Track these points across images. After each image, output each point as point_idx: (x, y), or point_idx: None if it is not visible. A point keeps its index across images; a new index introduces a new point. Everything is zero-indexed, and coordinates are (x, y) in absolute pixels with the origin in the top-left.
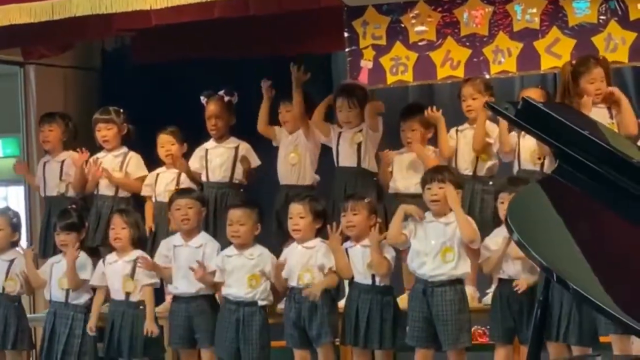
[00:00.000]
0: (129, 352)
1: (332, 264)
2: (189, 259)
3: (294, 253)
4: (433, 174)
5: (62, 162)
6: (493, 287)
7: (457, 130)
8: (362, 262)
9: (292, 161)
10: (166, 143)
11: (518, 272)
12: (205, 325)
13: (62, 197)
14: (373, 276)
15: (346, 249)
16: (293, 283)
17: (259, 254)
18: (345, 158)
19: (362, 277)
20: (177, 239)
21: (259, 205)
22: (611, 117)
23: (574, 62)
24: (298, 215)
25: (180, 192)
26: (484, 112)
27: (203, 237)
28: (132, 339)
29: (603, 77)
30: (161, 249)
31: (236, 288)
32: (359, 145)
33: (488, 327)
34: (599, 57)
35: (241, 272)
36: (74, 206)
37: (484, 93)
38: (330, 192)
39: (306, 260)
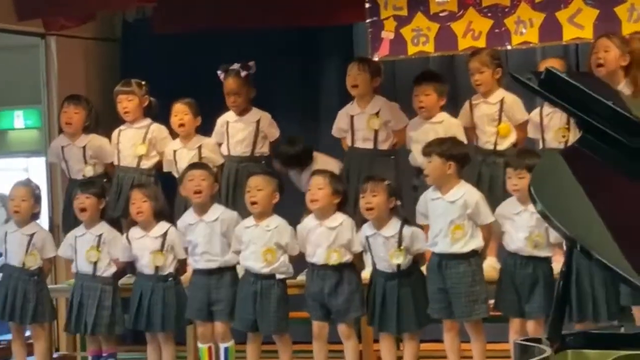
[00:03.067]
0: (162, 324)
1: (358, 246)
2: (207, 234)
3: (315, 232)
4: (423, 148)
5: (84, 147)
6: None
7: (470, 104)
8: (384, 251)
9: None
10: (180, 112)
11: (521, 246)
12: (223, 298)
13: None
14: (398, 265)
15: (367, 237)
16: (315, 260)
17: (276, 226)
18: (363, 139)
19: (386, 265)
20: (190, 217)
21: (280, 177)
22: None
23: None
24: (317, 186)
25: (193, 165)
26: None
27: (217, 209)
28: (164, 311)
29: (608, 48)
30: (179, 226)
31: (253, 261)
32: (376, 131)
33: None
34: (619, 34)
35: (257, 244)
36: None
37: (490, 65)
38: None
39: (332, 241)
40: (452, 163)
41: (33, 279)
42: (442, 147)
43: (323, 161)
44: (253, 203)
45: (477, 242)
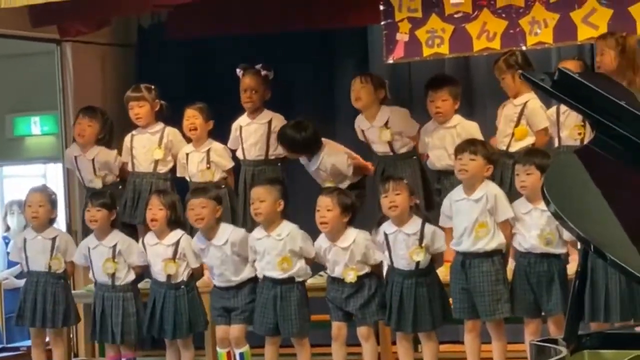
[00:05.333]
0: (174, 332)
1: (376, 256)
2: (218, 257)
3: (331, 252)
4: (465, 145)
5: (93, 159)
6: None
7: (503, 107)
8: (405, 248)
9: None
10: (191, 117)
11: (534, 244)
12: (241, 305)
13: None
14: (417, 263)
15: (385, 234)
16: (335, 275)
17: (287, 233)
18: (381, 150)
19: (405, 263)
20: (200, 241)
21: (282, 181)
22: None
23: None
24: (325, 207)
25: (193, 192)
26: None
27: (224, 230)
28: (176, 319)
29: (602, 50)
30: (193, 248)
31: (270, 271)
32: (390, 142)
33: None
34: (614, 33)
35: (272, 254)
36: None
37: (508, 71)
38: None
39: (347, 260)
40: (491, 167)
41: (60, 283)
42: (488, 150)
43: (332, 147)
44: (257, 214)
45: (499, 240)
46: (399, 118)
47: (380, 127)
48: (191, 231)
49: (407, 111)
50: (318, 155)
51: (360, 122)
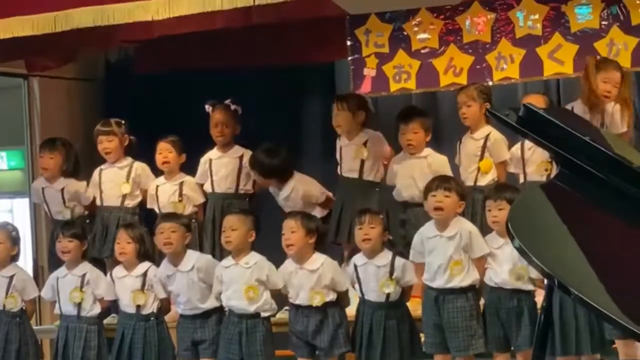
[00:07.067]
0: None
1: (347, 283)
2: (185, 284)
3: (297, 275)
4: (439, 182)
5: (62, 189)
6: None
7: (459, 142)
8: (375, 280)
9: None
10: (164, 150)
11: (505, 279)
12: (207, 337)
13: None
14: (387, 295)
15: (355, 266)
16: (299, 302)
17: (255, 262)
18: (349, 170)
19: (375, 295)
20: (167, 268)
21: (255, 213)
22: None
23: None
24: (290, 229)
25: (165, 216)
26: None
27: (191, 257)
28: (144, 351)
29: (618, 83)
30: (159, 277)
31: (236, 300)
32: (362, 160)
33: None
34: (624, 67)
35: (239, 283)
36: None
37: (477, 99)
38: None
39: (314, 283)
40: (464, 203)
41: (15, 321)
42: (461, 187)
43: (303, 177)
44: (227, 242)
45: (474, 277)
46: (376, 140)
47: (359, 146)
48: (160, 259)
49: (380, 134)
50: (290, 183)
51: (340, 141)
